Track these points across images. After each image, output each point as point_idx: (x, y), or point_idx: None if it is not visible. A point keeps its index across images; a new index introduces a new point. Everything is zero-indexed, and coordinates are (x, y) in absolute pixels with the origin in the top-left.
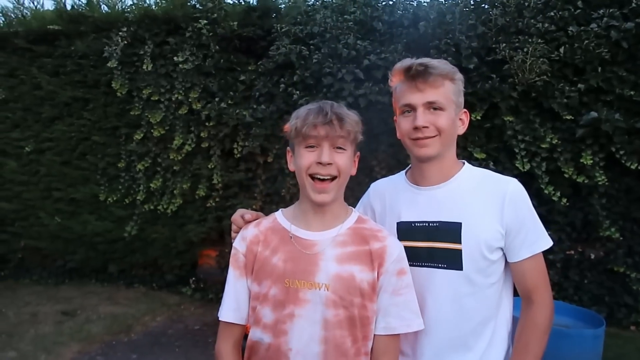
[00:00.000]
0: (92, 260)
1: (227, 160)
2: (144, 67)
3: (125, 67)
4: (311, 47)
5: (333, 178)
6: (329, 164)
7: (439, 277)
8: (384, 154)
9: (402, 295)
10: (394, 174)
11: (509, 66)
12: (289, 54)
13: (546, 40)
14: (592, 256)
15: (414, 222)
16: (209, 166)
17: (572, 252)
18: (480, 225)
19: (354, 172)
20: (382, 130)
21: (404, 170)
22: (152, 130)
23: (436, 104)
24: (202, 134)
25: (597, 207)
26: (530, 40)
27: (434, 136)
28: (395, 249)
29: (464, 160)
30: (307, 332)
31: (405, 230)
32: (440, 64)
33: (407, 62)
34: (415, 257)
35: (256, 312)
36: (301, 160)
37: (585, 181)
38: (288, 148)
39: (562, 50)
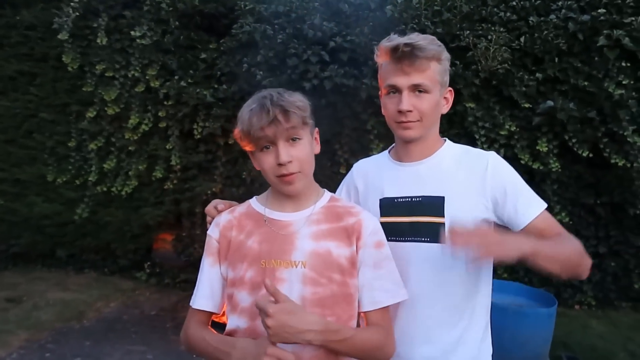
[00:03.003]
0: (38, 245)
1: (186, 141)
2: (98, 40)
3: (77, 41)
4: (276, 26)
5: (298, 172)
6: (289, 162)
7: (422, 251)
8: (347, 137)
9: (384, 268)
10: (356, 158)
11: (473, 53)
12: (253, 32)
13: (508, 29)
14: None
15: (397, 197)
16: (167, 147)
17: None
18: (463, 198)
19: (317, 150)
20: (346, 114)
21: (387, 150)
22: (105, 108)
23: (421, 87)
24: (160, 114)
25: (549, 193)
26: (493, 28)
27: (416, 120)
28: (370, 222)
29: (445, 138)
30: None
31: (388, 206)
32: (428, 45)
33: (394, 41)
34: (398, 232)
35: (233, 299)
36: (262, 164)
37: (540, 168)
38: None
39: (522, 39)
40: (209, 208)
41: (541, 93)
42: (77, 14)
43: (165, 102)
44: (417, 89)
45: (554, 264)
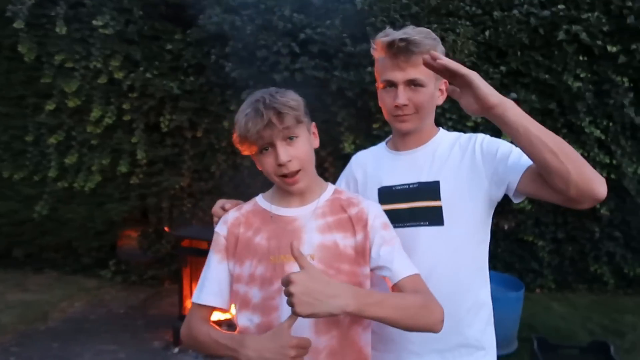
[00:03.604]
0: None
1: (152, 134)
2: (57, 30)
3: (34, 30)
4: (245, 17)
5: (299, 170)
6: (288, 161)
7: (422, 235)
8: (317, 129)
9: (395, 244)
10: (327, 150)
11: None
12: (221, 23)
13: (473, 23)
14: (506, 227)
15: (395, 185)
16: (132, 140)
17: None
18: (457, 180)
19: (316, 144)
20: (316, 106)
21: (385, 141)
22: (66, 101)
23: (417, 81)
24: (124, 106)
25: None
26: (459, 22)
27: (412, 113)
28: (373, 207)
29: (439, 127)
30: None
31: (387, 195)
32: (423, 40)
33: (390, 36)
34: (398, 219)
35: (242, 295)
36: (263, 166)
37: None
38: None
39: (487, 33)
40: (216, 209)
41: (504, 85)
42: (34, 1)
43: (129, 95)
44: (412, 83)
45: (534, 134)
